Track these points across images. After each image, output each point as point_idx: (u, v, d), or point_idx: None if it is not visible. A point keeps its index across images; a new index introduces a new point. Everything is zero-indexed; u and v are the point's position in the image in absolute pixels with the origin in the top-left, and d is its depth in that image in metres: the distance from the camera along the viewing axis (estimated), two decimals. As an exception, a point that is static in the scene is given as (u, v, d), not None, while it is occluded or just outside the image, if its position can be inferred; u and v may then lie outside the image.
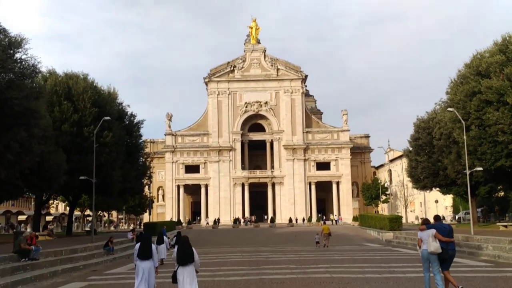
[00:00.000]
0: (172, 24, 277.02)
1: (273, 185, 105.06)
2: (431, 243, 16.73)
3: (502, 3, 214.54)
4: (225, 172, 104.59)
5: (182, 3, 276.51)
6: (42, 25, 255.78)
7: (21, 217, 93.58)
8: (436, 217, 18.21)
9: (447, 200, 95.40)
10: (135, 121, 62.74)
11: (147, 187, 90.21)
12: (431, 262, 16.93)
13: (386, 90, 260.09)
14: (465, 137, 43.59)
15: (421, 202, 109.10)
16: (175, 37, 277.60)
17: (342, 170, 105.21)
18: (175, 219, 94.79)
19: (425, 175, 64.79)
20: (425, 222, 17.92)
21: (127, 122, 60.93)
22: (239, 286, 20.77)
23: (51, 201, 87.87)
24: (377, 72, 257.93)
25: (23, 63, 35.89)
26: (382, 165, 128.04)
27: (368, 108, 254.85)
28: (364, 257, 33.23)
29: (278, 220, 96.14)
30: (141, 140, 66.54)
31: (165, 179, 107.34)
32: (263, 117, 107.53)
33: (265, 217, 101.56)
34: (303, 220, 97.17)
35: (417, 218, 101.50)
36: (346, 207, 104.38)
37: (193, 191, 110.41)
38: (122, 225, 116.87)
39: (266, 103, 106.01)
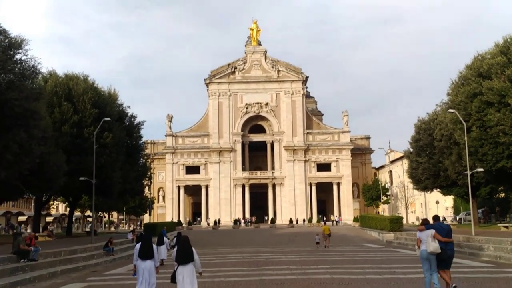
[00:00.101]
0: (173, 26, 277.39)
1: (274, 186, 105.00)
2: (430, 243, 16.75)
3: (502, 4, 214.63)
4: (226, 173, 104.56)
5: (184, 5, 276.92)
6: (44, 28, 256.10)
7: (21, 218, 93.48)
8: (435, 217, 18.24)
9: (448, 201, 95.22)
10: (136, 122, 62.70)
11: (147, 188, 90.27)
12: (431, 262, 16.93)
13: (387, 92, 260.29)
14: (466, 138, 43.47)
15: (421, 203, 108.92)
16: (177, 39, 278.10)
17: (342, 171, 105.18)
18: (175, 220, 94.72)
19: (426, 176, 64.70)
20: (424, 222, 17.97)
21: (127, 123, 60.85)
22: (239, 287, 20.70)
23: (51, 202, 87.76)
24: (378, 74, 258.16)
25: (23, 64, 35.86)
26: (382, 166, 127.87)
27: (369, 110, 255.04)
28: (364, 258, 33.15)
29: (278, 221, 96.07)
30: (141, 141, 66.50)
31: (166, 180, 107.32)
32: (263, 118, 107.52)
33: (266, 218, 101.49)
34: (304, 221, 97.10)
35: (417, 219, 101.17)
36: (346, 208, 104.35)
37: (193, 192, 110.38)
38: (123, 226, 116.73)
39: (266, 104, 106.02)
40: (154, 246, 16.82)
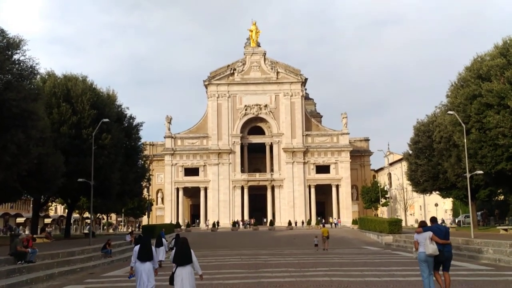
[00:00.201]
0: (172, 27, 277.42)
1: (273, 188, 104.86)
2: (429, 246, 16.73)
3: (502, 5, 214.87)
4: (225, 175, 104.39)
5: (182, 6, 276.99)
6: (43, 28, 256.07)
7: (20, 220, 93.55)
8: (433, 219, 18.19)
9: (447, 203, 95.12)
10: (134, 123, 62.57)
11: (146, 189, 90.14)
12: (429, 264, 16.92)
13: (386, 94, 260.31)
14: (465, 140, 43.40)
15: (420, 206, 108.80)
16: (175, 40, 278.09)
17: (341, 173, 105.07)
18: (174, 222, 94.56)
19: (425, 178, 64.62)
20: (422, 224, 17.95)
21: (126, 124, 60.70)
22: (237, 290, 20.57)
23: (49, 204, 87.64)
24: (377, 75, 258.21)
25: (21, 64, 35.67)
26: (381, 169, 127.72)
27: (368, 112, 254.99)
28: (363, 260, 33.03)
29: (277, 223, 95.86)
30: (140, 143, 66.27)
31: (165, 181, 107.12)
32: (262, 120, 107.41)
33: (265, 220, 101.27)
34: (303, 223, 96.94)
35: (416, 221, 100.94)
36: (345, 210, 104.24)
37: (192, 194, 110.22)
38: (121, 228, 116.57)
39: (265, 106, 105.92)
40: (153, 247, 16.81)
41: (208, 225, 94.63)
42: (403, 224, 68.77)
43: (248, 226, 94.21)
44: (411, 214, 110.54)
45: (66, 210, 74.83)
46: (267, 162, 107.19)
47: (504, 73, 43.05)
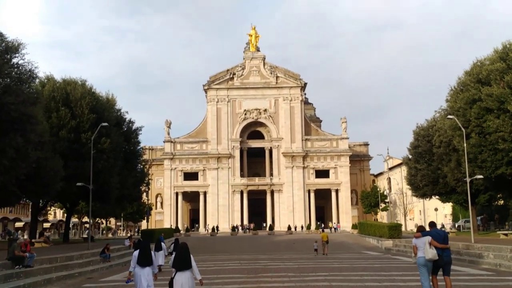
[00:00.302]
0: (172, 32, 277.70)
1: (272, 192, 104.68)
2: (429, 250, 16.76)
3: (501, 10, 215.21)
4: (224, 179, 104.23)
5: (182, 11, 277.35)
6: (42, 33, 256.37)
7: (18, 224, 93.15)
8: (432, 224, 18.27)
9: (447, 208, 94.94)
10: (133, 127, 62.47)
11: (145, 194, 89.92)
12: (428, 269, 16.99)
13: (385, 98, 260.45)
14: (465, 144, 43.28)
15: (420, 210, 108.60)
16: (175, 44, 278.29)
17: (341, 178, 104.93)
18: (173, 226, 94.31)
19: (424, 183, 64.48)
20: (420, 229, 18.00)
21: (125, 129, 60.59)
22: (236, 295, 20.42)
23: (48, 208, 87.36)
24: (376, 80, 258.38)
25: (20, 68, 35.65)
26: (381, 173, 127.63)
27: (367, 116, 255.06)
28: (363, 265, 32.87)
29: (277, 228, 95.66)
30: (139, 147, 66.13)
31: (164, 186, 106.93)
32: (262, 124, 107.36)
33: (264, 224, 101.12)
34: (302, 227, 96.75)
35: (416, 226, 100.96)
36: (345, 215, 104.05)
37: (191, 198, 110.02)
38: (121, 232, 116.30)
39: (265, 110, 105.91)
40: (152, 252, 16.75)
41: (207, 230, 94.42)
42: (403, 229, 68.58)
43: (247, 230, 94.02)
44: (410, 219, 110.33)
45: (65, 215, 74.65)
46: (267, 167, 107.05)
47: (504, 78, 42.96)
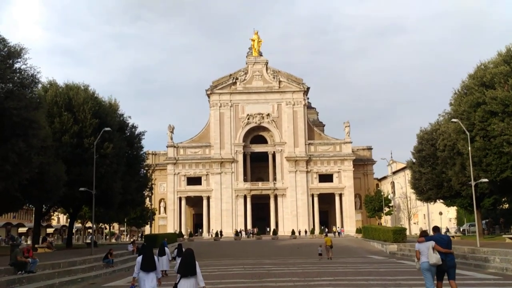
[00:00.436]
0: (175, 37, 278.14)
1: (276, 197, 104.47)
2: (432, 255, 16.74)
3: (503, 13, 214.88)
4: (227, 184, 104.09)
5: (185, 17, 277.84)
6: (46, 39, 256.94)
7: (22, 230, 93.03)
8: (435, 229, 18.27)
9: (451, 212, 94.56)
10: (136, 132, 62.26)
11: (148, 199, 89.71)
12: (432, 273, 16.98)
13: (389, 102, 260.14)
14: (469, 148, 43.00)
15: (424, 214, 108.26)
16: (178, 50, 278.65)
17: (344, 182, 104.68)
18: (177, 231, 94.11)
19: (429, 186, 64.08)
20: (423, 234, 17.96)
21: (128, 134, 60.42)
22: (240, 300, 20.20)
23: (52, 213, 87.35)
24: (379, 84, 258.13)
25: (23, 73, 35.50)
26: (385, 177, 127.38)
27: (371, 120, 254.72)
28: (368, 270, 32.59)
29: (280, 232, 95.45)
30: (142, 152, 65.91)
31: (167, 191, 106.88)
32: (265, 129, 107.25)
33: (268, 229, 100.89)
34: (306, 232, 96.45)
35: (421, 229, 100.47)
36: (349, 219, 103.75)
37: (195, 203, 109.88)
38: (124, 238, 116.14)
39: (268, 115, 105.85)
40: (156, 257, 16.65)
41: (211, 235, 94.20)
42: (407, 233, 68.27)
43: (251, 235, 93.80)
44: (415, 223, 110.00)
45: (68, 220, 74.56)
46: (270, 171, 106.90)
47: (508, 81, 42.68)
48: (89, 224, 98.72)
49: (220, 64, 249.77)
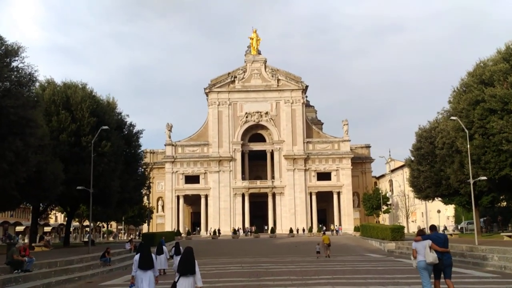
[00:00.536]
0: (173, 35, 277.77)
1: (274, 195, 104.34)
2: (429, 254, 16.76)
3: (502, 13, 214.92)
4: (225, 182, 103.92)
5: (184, 15, 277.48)
6: (44, 38, 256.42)
7: (19, 228, 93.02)
8: (432, 227, 18.28)
9: (449, 210, 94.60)
10: (134, 131, 62.15)
11: (146, 197, 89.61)
12: (429, 272, 17.00)
13: (387, 101, 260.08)
14: (468, 146, 42.95)
15: (422, 212, 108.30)
16: (176, 48, 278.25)
17: (343, 180, 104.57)
18: (174, 229, 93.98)
19: (427, 184, 64.12)
20: (420, 233, 17.94)
21: (126, 132, 60.32)
22: (238, 299, 20.10)
23: (49, 212, 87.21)
24: (378, 83, 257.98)
25: (20, 71, 35.40)
26: (383, 175, 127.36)
27: (369, 119, 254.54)
28: (366, 268, 32.52)
29: (278, 231, 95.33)
30: (140, 150, 65.82)
31: (165, 189, 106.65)
32: (263, 127, 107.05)
33: (266, 227, 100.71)
34: (304, 230, 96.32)
35: (419, 227, 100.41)
36: (347, 217, 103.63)
37: (193, 201, 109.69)
38: (122, 236, 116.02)
39: (266, 113, 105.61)
40: (153, 255, 16.56)
41: (210, 233, 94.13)
42: (405, 231, 68.27)
43: (249, 233, 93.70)
44: (413, 221, 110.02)
45: (66, 218, 74.43)
46: (268, 169, 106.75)
47: (507, 78, 42.68)
48: (86, 223, 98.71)
49: (218, 62, 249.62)
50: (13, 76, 34.86)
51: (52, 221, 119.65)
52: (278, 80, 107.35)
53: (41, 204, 55.27)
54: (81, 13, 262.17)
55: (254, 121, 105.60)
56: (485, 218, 75.77)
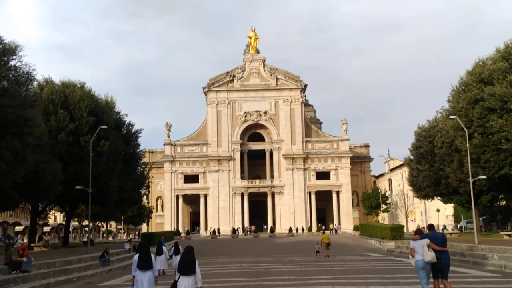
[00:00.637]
0: (171, 34, 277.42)
1: (273, 194, 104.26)
2: (427, 253, 16.75)
3: (499, 12, 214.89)
4: (225, 182, 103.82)
5: (182, 13, 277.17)
6: (41, 36, 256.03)
7: (18, 228, 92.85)
8: (430, 226, 18.27)
9: (448, 209, 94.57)
10: (133, 130, 61.99)
11: (145, 197, 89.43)
12: (427, 271, 16.99)
13: (386, 100, 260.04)
14: (468, 145, 42.85)
15: (422, 211, 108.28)
16: (175, 47, 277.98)
17: (342, 179, 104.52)
18: (174, 229, 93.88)
19: (426, 183, 64.01)
20: (418, 232, 17.95)
21: (124, 131, 60.16)
22: (237, 299, 20.00)
23: (48, 212, 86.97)
24: (377, 82, 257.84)
25: (18, 70, 35.28)
26: (382, 174, 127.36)
27: (368, 118, 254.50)
28: (366, 268, 32.42)
29: (277, 230, 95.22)
30: (139, 150, 65.61)
31: (164, 189, 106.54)
32: (262, 126, 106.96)
33: (265, 227, 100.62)
34: (303, 229, 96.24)
35: (418, 227, 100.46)
36: (346, 217, 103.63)
37: (192, 201, 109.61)
38: (121, 236, 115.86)
39: (265, 112, 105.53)
40: (153, 256, 16.46)
41: (209, 233, 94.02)
42: (405, 230, 68.17)
43: (248, 233, 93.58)
44: (412, 220, 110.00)
45: (65, 218, 74.26)
46: (267, 169, 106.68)
47: (507, 77, 42.57)
48: (85, 223, 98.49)
49: (217, 61, 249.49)
50: (10, 75, 34.74)
51: (51, 221, 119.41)
52: (277, 79, 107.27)
53: (40, 204, 55.08)
54: (79, 11, 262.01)
55: (253, 120, 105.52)
56: (484, 217, 75.69)
